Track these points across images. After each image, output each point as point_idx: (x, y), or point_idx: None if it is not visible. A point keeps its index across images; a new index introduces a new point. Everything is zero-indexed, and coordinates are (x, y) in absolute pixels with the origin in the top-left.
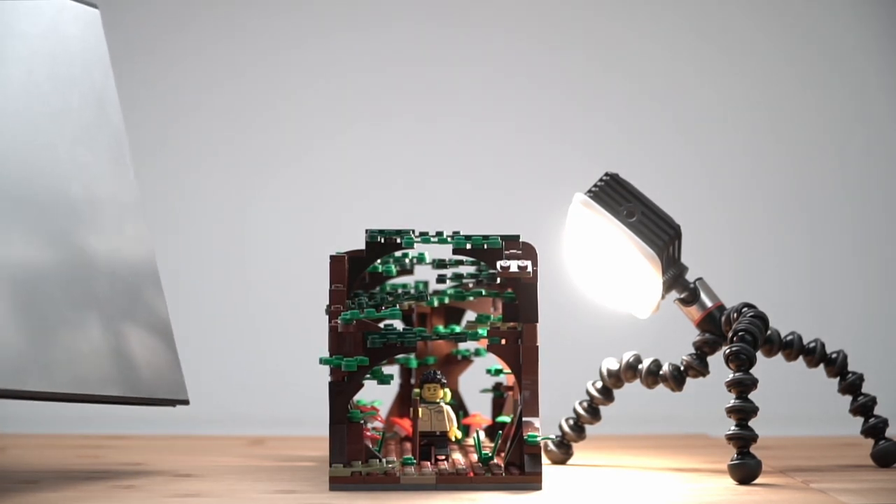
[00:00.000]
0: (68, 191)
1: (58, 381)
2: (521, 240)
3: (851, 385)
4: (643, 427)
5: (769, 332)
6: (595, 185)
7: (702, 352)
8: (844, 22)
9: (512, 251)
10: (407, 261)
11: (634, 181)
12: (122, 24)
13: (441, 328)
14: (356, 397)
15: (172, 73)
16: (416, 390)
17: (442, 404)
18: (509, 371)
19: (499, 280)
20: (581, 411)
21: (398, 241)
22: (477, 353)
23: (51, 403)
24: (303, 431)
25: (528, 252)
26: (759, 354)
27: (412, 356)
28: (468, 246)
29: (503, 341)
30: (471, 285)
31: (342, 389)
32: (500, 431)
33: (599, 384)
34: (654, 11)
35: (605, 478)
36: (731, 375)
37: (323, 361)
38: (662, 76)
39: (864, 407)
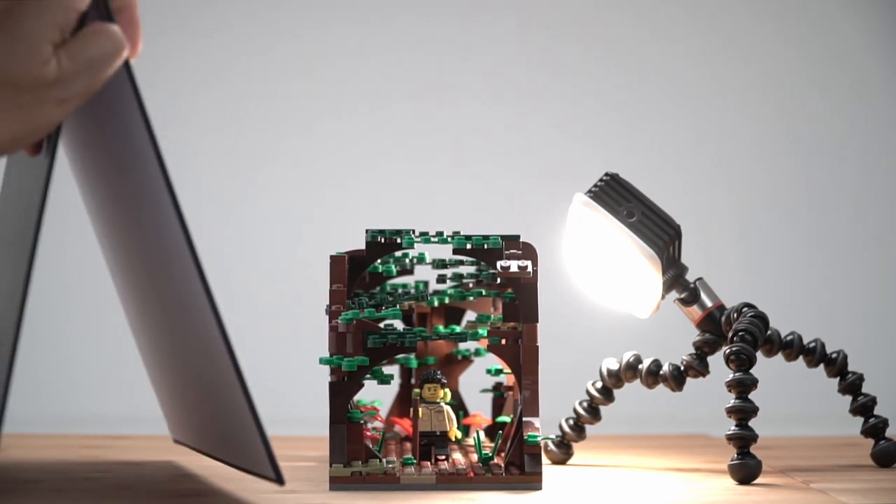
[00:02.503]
0: None
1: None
2: (521, 240)
3: (851, 385)
4: (643, 427)
5: (769, 331)
6: (595, 185)
7: (702, 352)
8: (850, 19)
9: (512, 251)
10: (407, 261)
11: (635, 181)
12: None
13: (441, 328)
14: (356, 397)
15: (166, 70)
16: (417, 390)
17: (442, 404)
18: (509, 371)
19: (499, 280)
20: (581, 411)
21: (398, 241)
22: (477, 352)
23: (48, 402)
24: (303, 431)
25: (529, 252)
26: (759, 354)
27: (412, 356)
28: (468, 246)
29: (503, 341)
30: (471, 285)
31: (342, 389)
32: (501, 431)
33: (599, 384)
34: (657, 10)
35: (605, 478)
36: (731, 375)
37: (323, 361)
38: (664, 76)
39: (864, 407)
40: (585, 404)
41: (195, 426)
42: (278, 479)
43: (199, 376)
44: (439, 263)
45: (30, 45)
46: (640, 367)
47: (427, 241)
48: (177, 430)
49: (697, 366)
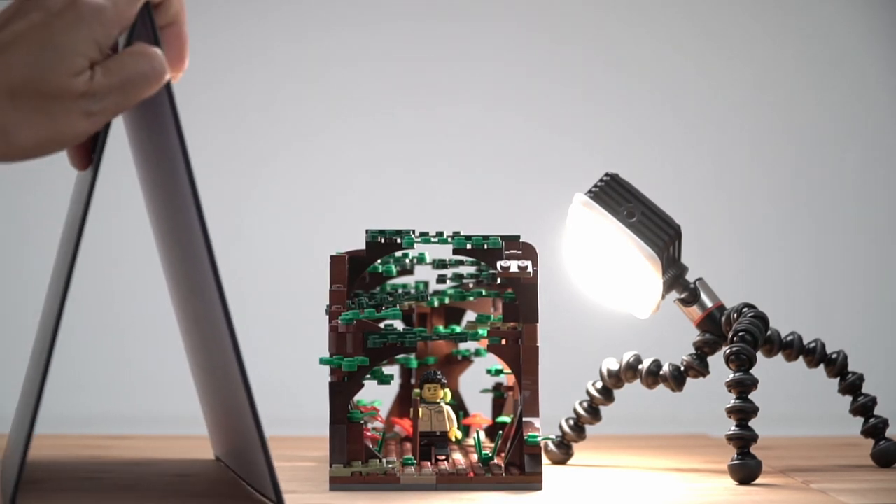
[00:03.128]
0: None
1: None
2: (521, 240)
3: (851, 385)
4: (643, 427)
5: (769, 332)
6: (595, 186)
7: (702, 352)
8: (849, 19)
9: (512, 251)
10: (407, 261)
11: (635, 181)
12: None
13: (441, 328)
14: (356, 397)
15: None
16: (417, 390)
17: (442, 404)
18: (509, 371)
19: (499, 280)
20: (581, 411)
21: (398, 241)
22: (477, 353)
23: (49, 402)
24: (303, 431)
25: (528, 252)
26: (759, 354)
27: (412, 356)
28: (468, 246)
29: (503, 341)
30: (471, 285)
31: (342, 389)
32: (501, 431)
33: (599, 384)
34: (656, 10)
35: (605, 478)
36: (731, 375)
37: (323, 361)
38: (664, 75)
39: (864, 407)
40: (585, 404)
41: (222, 441)
42: (278, 502)
43: (222, 393)
44: (439, 263)
45: (60, 56)
46: (640, 367)
47: (427, 241)
48: (215, 445)
49: (697, 366)
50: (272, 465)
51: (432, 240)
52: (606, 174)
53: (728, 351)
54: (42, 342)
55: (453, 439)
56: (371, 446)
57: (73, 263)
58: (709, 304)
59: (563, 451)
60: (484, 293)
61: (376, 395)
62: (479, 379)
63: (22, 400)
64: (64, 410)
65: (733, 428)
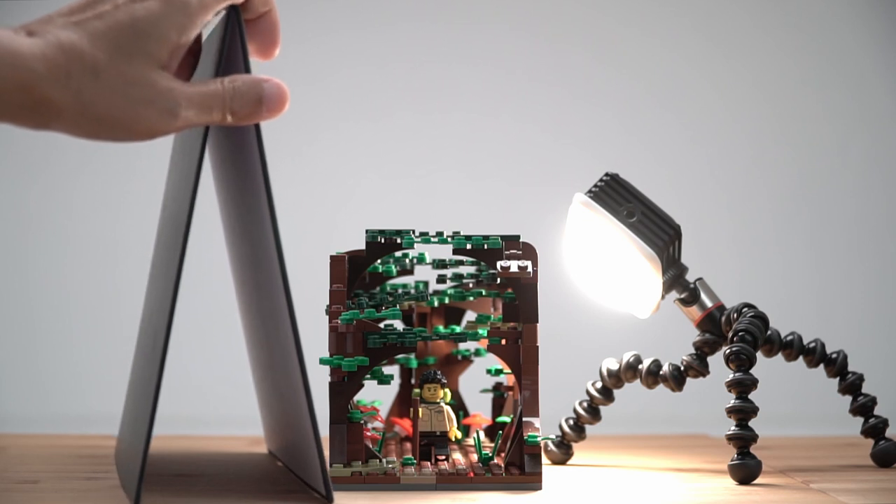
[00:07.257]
0: None
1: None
2: (521, 240)
3: (851, 385)
4: (643, 427)
5: (769, 332)
6: (595, 186)
7: (702, 352)
8: (848, 20)
9: (512, 251)
10: (407, 261)
11: (635, 181)
12: None
13: (441, 328)
14: (356, 397)
15: None
16: (416, 390)
17: (442, 404)
18: (509, 371)
19: (499, 280)
20: (581, 411)
21: (398, 241)
22: (477, 353)
23: (48, 402)
24: None
25: (528, 252)
26: (759, 354)
27: (412, 356)
28: (468, 246)
29: (503, 341)
30: (471, 285)
31: (342, 389)
32: (501, 431)
33: (599, 384)
34: (656, 10)
35: (605, 478)
36: (731, 375)
37: (323, 361)
38: (664, 75)
39: (864, 407)
40: (585, 404)
41: (277, 437)
42: (327, 497)
43: (281, 392)
44: (439, 263)
45: (143, 41)
46: (640, 367)
47: (427, 241)
48: (269, 440)
49: (697, 366)
50: (324, 461)
51: (432, 240)
52: (606, 174)
53: (728, 351)
54: (153, 342)
55: (453, 439)
56: (371, 446)
57: (183, 256)
58: (709, 304)
59: (563, 451)
60: (484, 293)
61: (376, 395)
62: (479, 379)
63: (132, 401)
64: (64, 410)
65: (733, 428)
